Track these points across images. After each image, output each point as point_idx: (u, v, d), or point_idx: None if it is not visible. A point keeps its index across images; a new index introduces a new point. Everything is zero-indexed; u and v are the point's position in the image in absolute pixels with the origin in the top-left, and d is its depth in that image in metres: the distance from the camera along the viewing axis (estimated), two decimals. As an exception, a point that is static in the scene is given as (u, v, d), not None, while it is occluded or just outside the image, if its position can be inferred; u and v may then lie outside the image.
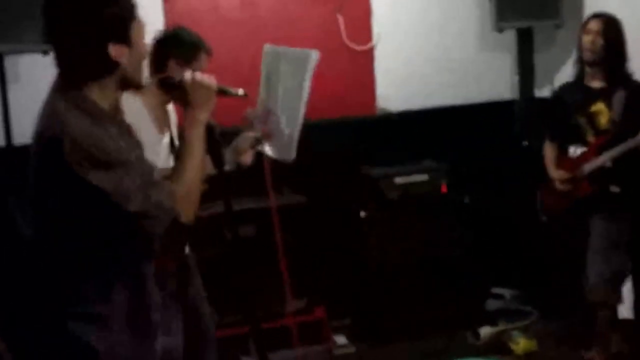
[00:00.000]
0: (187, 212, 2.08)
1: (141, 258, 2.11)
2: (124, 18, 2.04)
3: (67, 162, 1.90)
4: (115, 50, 2.02)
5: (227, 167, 2.95)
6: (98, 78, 2.04)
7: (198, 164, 2.12)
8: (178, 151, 2.15)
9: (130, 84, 2.13)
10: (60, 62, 2.05)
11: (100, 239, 2.00)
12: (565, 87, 4.07)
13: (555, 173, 4.01)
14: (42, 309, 2.09)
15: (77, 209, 1.96)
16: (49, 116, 2.00)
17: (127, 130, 2.10)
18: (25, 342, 2.27)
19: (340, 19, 4.79)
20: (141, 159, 2.07)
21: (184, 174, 2.09)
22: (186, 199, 2.07)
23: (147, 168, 2.06)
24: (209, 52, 3.13)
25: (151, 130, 2.95)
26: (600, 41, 3.77)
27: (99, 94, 2.04)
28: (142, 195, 1.95)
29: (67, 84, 2.04)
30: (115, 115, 2.09)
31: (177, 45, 3.08)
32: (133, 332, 2.10)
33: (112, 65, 2.04)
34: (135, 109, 2.89)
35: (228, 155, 3.04)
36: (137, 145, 2.11)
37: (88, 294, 2.03)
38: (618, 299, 3.96)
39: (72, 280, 2.04)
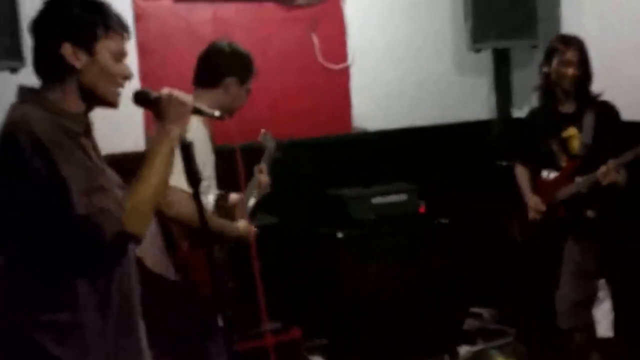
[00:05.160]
0: (136, 224, 2.01)
1: (102, 265, 2.07)
2: (89, 24, 2.04)
3: (21, 154, 1.90)
4: (69, 52, 2.02)
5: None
6: (53, 77, 2.04)
7: (158, 179, 2.06)
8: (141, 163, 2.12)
9: (99, 101, 2.10)
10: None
11: (54, 242, 1.97)
12: (535, 113, 4.07)
13: (532, 200, 3.98)
14: (6, 320, 2.03)
15: (30, 204, 1.95)
16: (9, 113, 2.02)
17: (87, 137, 2.08)
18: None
19: (315, 38, 4.76)
20: (96, 164, 2.04)
21: (140, 185, 2.04)
22: (136, 211, 2.00)
23: (97, 174, 2.01)
24: (257, 75, 3.16)
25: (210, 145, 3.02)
26: (580, 71, 3.79)
27: (60, 97, 2.04)
28: (86, 200, 1.91)
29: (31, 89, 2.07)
30: (79, 120, 2.07)
31: (240, 65, 3.08)
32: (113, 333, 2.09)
33: (64, 67, 2.03)
34: (197, 129, 2.86)
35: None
36: (91, 151, 2.06)
37: (52, 303, 2.00)
38: (588, 323, 3.91)
39: (35, 289, 2.00)
